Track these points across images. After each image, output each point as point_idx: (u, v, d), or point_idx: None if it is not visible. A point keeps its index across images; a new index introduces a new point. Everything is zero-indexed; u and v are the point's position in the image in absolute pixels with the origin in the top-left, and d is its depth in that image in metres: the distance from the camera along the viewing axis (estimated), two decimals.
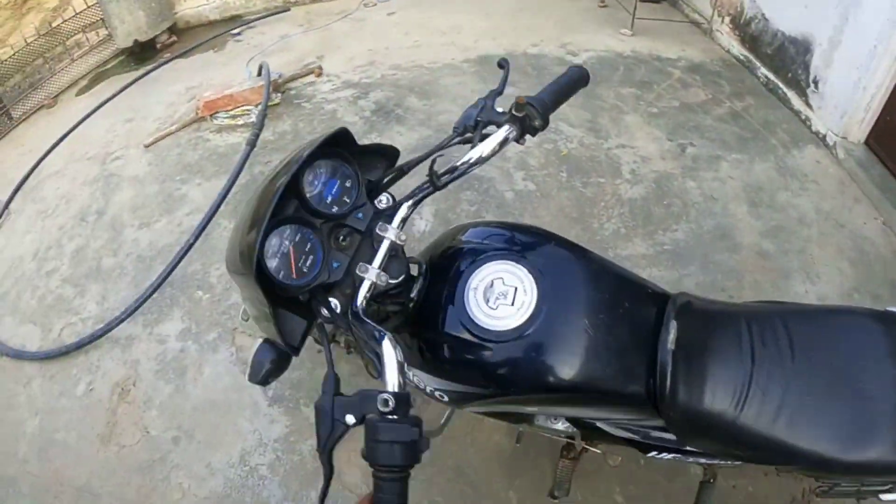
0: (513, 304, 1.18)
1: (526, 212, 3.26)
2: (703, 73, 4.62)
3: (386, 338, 1.01)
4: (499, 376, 1.22)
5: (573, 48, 4.50)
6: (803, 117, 4.46)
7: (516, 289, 1.19)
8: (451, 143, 1.27)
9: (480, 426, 2.37)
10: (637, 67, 4.45)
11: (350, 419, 0.93)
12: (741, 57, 4.93)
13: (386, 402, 0.91)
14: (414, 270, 1.32)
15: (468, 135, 1.26)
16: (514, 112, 1.23)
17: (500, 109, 1.27)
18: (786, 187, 3.80)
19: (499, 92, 1.29)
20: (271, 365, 1.06)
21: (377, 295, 1.17)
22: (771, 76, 4.70)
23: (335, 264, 1.12)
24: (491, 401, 1.31)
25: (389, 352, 0.99)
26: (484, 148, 1.23)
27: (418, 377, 1.36)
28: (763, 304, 1.49)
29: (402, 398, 0.93)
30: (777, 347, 1.30)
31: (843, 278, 3.31)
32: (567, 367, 1.20)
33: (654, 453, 1.58)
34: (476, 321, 1.19)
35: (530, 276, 1.21)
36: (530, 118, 1.25)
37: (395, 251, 1.17)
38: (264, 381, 1.09)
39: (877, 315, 1.38)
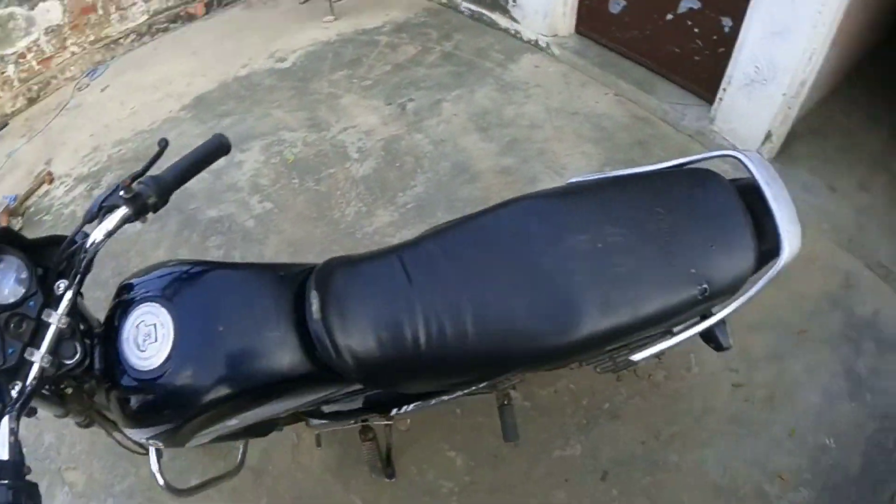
0: (156, 341, 1.21)
1: (269, 232, 3.20)
2: (410, 30, 4.69)
3: None
4: (175, 407, 1.23)
5: (281, 54, 4.43)
6: (512, 32, 4.61)
7: (155, 325, 1.22)
8: (80, 229, 1.24)
9: (298, 449, 2.33)
10: (344, 48, 4.45)
11: None
12: (443, 1, 5.02)
13: None
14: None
15: (92, 221, 1.25)
16: (123, 195, 1.21)
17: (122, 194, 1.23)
18: (510, 101, 3.93)
19: (139, 173, 1.26)
20: None
21: (64, 376, 1.21)
22: (473, 7, 4.82)
23: (10, 350, 1.12)
24: (189, 431, 1.30)
25: None
26: (97, 234, 1.21)
27: (131, 433, 1.35)
28: (424, 233, 1.51)
29: (5, 465, 0.97)
30: (433, 268, 1.33)
31: (589, 160, 3.47)
32: (222, 376, 1.23)
33: (395, 410, 1.60)
34: (135, 367, 1.21)
35: (163, 309, 1.23)
36: (145, 197, 1.23)
37: (64, 334, 1.18)
38: None
39: (531, 198, 1.46)
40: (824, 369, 2.59)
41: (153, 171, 1.29)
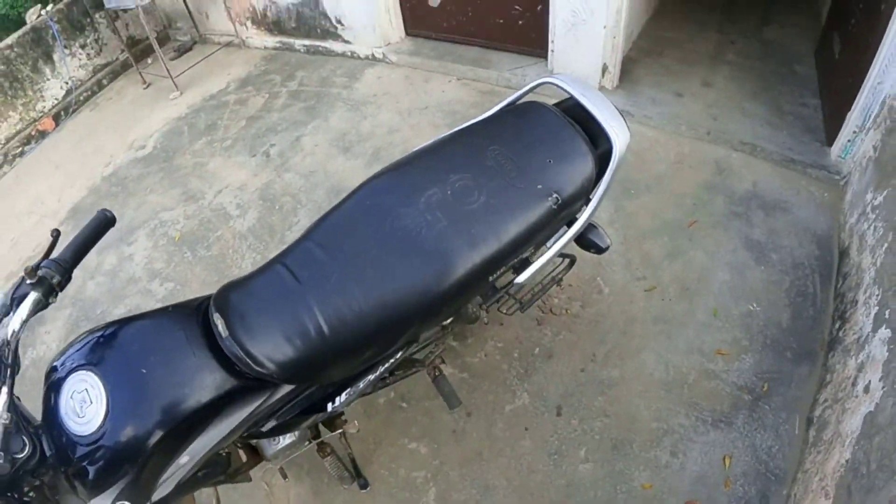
0: (92, 402, 1.21)
1: None
2: (253, 81, 4.65)
3: None
4: (126, 456, 1.22)
5: (140, 142, 4.27)
6: (349, 54, 4.63)
7: (87, 389, 1.22)
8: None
9: (272, 497, 2.22)
10: (197, 118, 4.35)
11: None
12: (278, 45, 5.03)
13: None
14: None
15: (7, 315, 1.26)
16: (29, 282, 1.24)
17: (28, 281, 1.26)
18: (364, 116, 3.95)
19: (37, 263, 1.28)
20: None
21: (21, 476, 1.20)
22: (307, 42, 4.84)
23: None
24: (148, 479, 1.28)
25: None
26: (14, 324, 1.22)
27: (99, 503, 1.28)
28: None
29: None
30: (315, 263, 1.41)
31: None
32: (158, 412, 1.23)
33: (330, 405, 1.59)
34: (81, 435, 1.21)
35: (89, 373, 1.24)
36: (49, 278, 1.26)
37: (9, 429, 1.17)
38: None
39: (377, 176, 1.59)
40: (724, 248, 2.71)
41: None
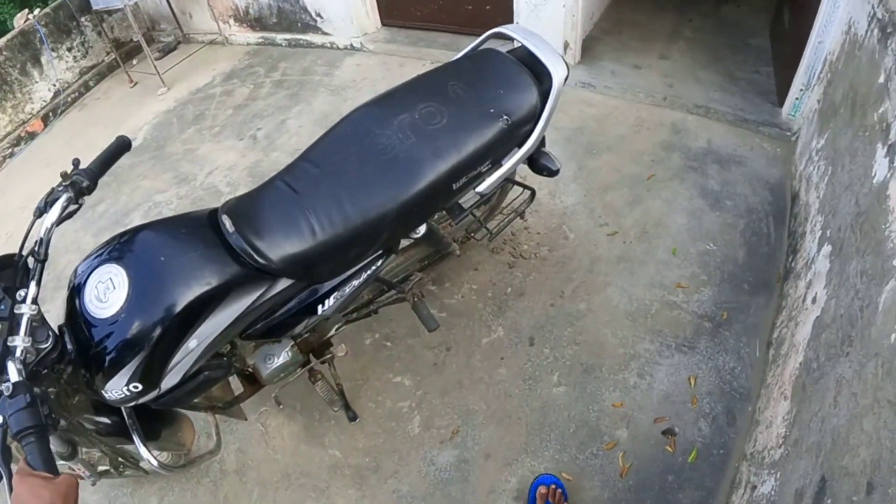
0: (115, 288, 1.34)
1: None
2: (238, 74, 4.76)
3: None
4: (142, 336, 1.34)
5: (130, 134, 4.16)
6: (328, 45, 4.75)
7: (111, 278, 1.35)
8: (31, 226, 1.41)
9: (268, 437, 2.31)
10: (185, 110, 4.44)
11: None
12: (260, 40, 5.14)
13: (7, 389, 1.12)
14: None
15: (42, 216, 1.41)
16: (63, 182, 1.43)
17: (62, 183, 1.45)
18: (344, 99, 4.07)
19: (69, 173, 1.47)
20: None
21: (43, 363, 1.30)
22: (288, 36, 4.95)
23: None
24: (158, 361, 1.40)
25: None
26: (48, 221, 1.37)
27: (111, 388, 1.40)
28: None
29: (19, 384, 1.14)
30: (310, 177, 1.62)
31: None
32: (173, 294, 1.36)
33: (320, 307, 1.75)
34: (101, 318, 1.33)
35: (114, 265, 1.37)
36: (79, 183, 1.43)
37: (35, 320, 1.29)
38: None
39: (362, 106, 1.81)
40: (681, 197, 2.87)
41: None
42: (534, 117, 1.82)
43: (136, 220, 3.50)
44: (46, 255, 1.37)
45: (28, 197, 4.10)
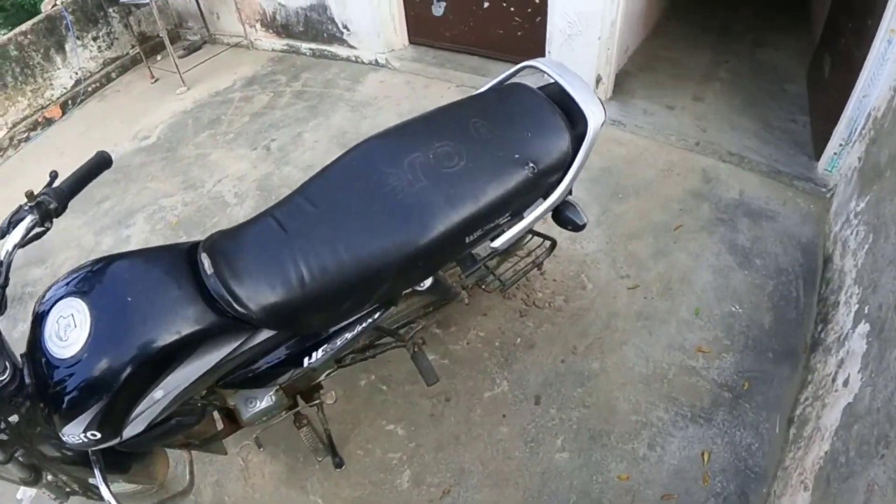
0: (76, 326, 1.20)
1: None
2: (259, 81, 4.63)
3: None
4: (103, 381, 1.19)
5: (144, 132, 4.24)
6: (353, 58, 4.63)
7: (73, 315, 1.21)
8: None
9: (248, 473, 2.14)
10: (202, 112, 4.32)
11: None
12: (285, 48, 5.03)
13: None
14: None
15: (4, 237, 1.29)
16: (28, 205, 1.30)
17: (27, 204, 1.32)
18: (364, 117, 3.93)
19: (35, 193, 1.34)
20: None
21: (5, 399, 1.19)
22: (313, 46, 4.84)
23: None
24: (121, 409, 1.25)
25: None
26: (8, 244, 1.25)
27: (70, 431, 1.25)
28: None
29: None
30: (303, 215, 1.43)
31: None
32: (139, 339, 1.21)
33: (307, 360, 1.56)
34: (61, 357, 1.19)
35: (77, 300, 1.24)
36: (46, 204, 1.31)
37: None
38: None
39: (369, 140, 1.60)
40: (708, 252, 2.67)
41: None
42: (563, 166, 1.62)
43: (140, 223, 3.37)
44: (7, 279, 1.24)
45: (38, 184, 3.96)
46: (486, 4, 3.94)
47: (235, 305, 1.30)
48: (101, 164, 1.48)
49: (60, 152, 4.30)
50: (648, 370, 2.24)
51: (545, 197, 1.66)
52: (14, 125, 4.51)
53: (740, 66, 4.01)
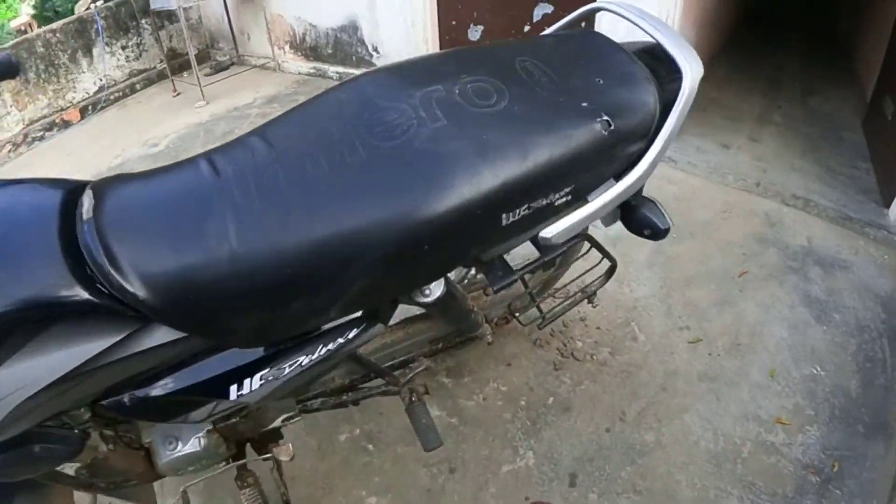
0: None
1: None
2: (281, 100, 4.38)
3: None
4: None
5: (154, 140, 3.97)
6: None
7: None
8: None
9: None
10: (216, 125, 4.06)
11: None
12: (311, 71, 4.85)
13: None
14: None
15: None
16: None
17: None
18: None
19: None
20: None
21: None
22: (340, 69, 4.63)
23: None
24: None
25: None
26: None
27: None
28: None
29: None
30: (249, 153, 0.91)
31: None
32: None
33: (235, 390, 0.98)
34: None
35: None
36: None
37: None
38: None
39: (373, 71, 1.07)
40: (780, 303, 2.22)
41: None
42: (647, 132, 1.09)
43: None
44: None
45: None
46: (526, 28, 3.67)
47: (113, 273, 0.78)
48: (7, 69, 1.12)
49: (69, 153, 4.08)
50: (717, 446, 1.74)
51: (619, 177, 1.12)
52: (31, 122, 4.29)
53: (793, 111, 3.80)
